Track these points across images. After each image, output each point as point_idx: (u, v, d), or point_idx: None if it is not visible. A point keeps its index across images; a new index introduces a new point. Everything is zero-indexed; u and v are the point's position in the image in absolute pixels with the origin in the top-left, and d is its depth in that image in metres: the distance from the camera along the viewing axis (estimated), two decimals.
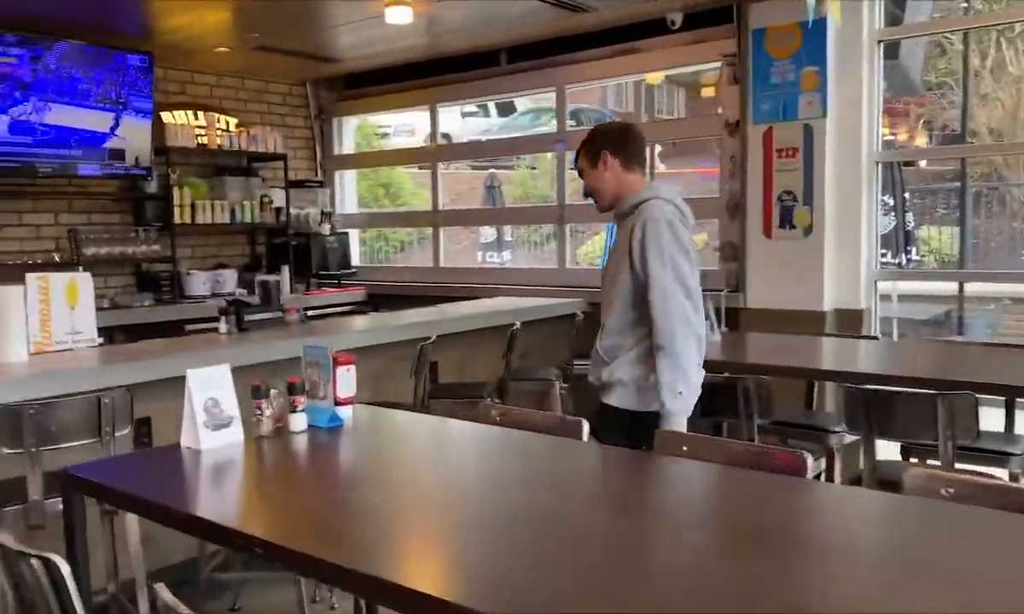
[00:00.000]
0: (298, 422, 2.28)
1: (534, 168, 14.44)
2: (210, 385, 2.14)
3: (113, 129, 5.91)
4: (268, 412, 2.24)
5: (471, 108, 10.76)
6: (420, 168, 10.93)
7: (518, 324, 4.83)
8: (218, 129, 6.63)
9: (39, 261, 5.72)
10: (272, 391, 2.26)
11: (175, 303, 6.26)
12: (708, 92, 8.39)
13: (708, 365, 2.81)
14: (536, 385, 5.22)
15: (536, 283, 6.36)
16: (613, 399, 2.79)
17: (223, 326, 4.43)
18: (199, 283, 6.57)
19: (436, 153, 7.17)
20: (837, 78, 4.98)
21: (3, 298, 3.58)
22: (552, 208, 6.58)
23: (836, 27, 4.82)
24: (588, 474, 2.20)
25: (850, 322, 5.02)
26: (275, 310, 4.65)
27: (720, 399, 3.39)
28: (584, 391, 5.50)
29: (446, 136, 8.35)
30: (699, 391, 2.69)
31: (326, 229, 7.22)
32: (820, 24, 4.85)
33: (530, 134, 9.98)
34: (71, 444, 2.87)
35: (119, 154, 5.98)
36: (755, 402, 3.18)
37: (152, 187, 6.31)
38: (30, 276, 4.08)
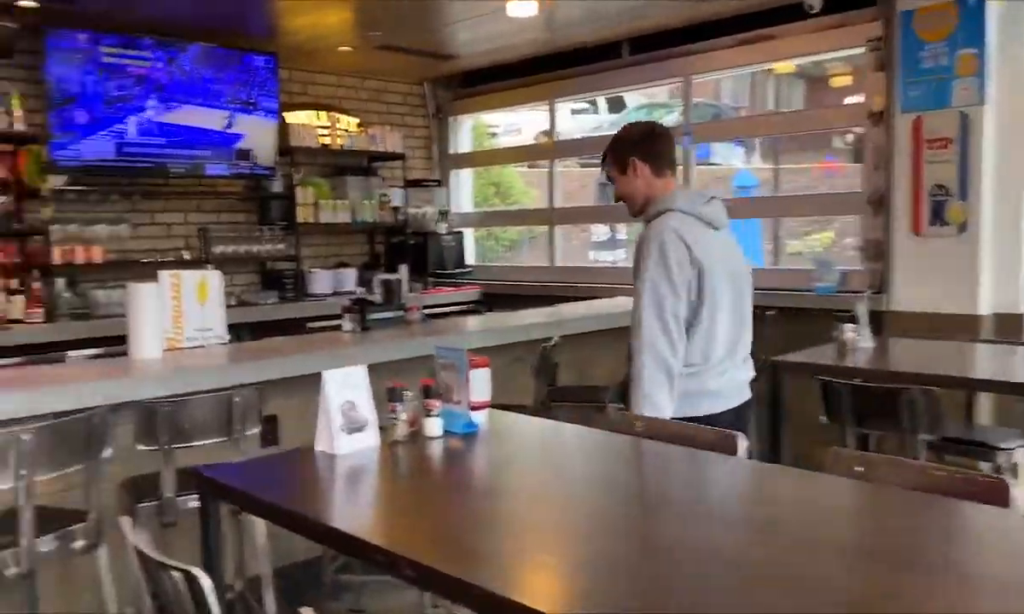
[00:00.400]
0: (433, 427, 2.17)
1: None
2: (346, 387, 2.05)
3: (239, 129, 6.04)
4: (403, 416, 2.14)
5: (581, 105, 10.58)
6: (529, 167, 10.89)
7: None
8: (340, 129, 6.69)
9: (170, 259, 5.90)
10: (407, 394, 2.16)
11: (298, 301, 6.34)
12: (842, 81, 7.96)
13: (861, 372, 2.54)
14: None
15: None
16: None
17: (347, 324, 4.41)
18: (321, 281, 6.65)
19: (555, 150, 7.02)
20: (999, 62, 4.54)
21: (139, 295, 3.65)
22: None
23: (998, 5, 4.41)
24: (747, 497, 1.99)
25: (1010, 327, 4.57)
26: (396, 309, 4.61)
27: (870, 410, 3.11)
28: None
29: (547, 135, 8.20)
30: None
31: (443, 228, 7.19)
32: (979, 2, 4.44)
33: None
34: (202, 442, 2.87)
35: (245, 154, 6.11)
36: (922, 415, 2.87)
37: (276, 187, 6.42)
38: (163, 273, 4.16)
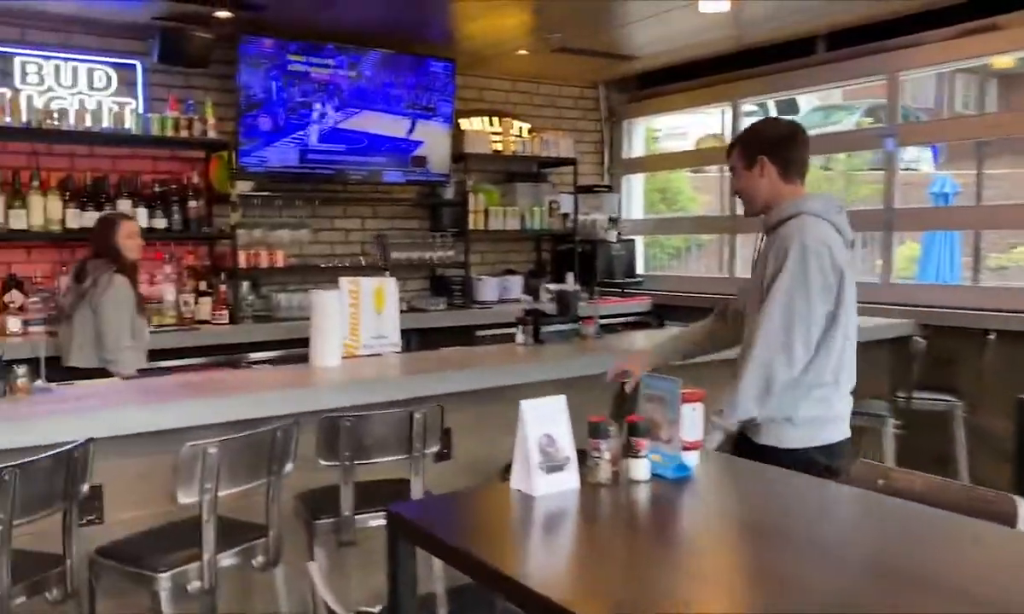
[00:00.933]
0: (641, 469, 1.91)
1: (828, 169, 13.26)
2: (545, 419, 1.84)
3: (418, 136, 6.04)
4: (607, 455, 1.89)
5: (748, 107, 10.02)
6: (693, 171, 10.39)
7: None
8: (512, 135, 6.57)
9: (347, 264, 5.96)
10: (611, 429, 1.91)
11: (466, 308, 6.26)
12: None
13: None
14: (862, 421, 4.51)
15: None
16: (761, 437, 2.46)
17: (520, 336, 4.24)
18: (488, 289, 6.55)
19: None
20: None
21: (323, 303, 3.62)
22: (877, 212, 5.74)
23: None
24: None
25: None
26: (571, 321, 4.39)
27: None
28: (923, 431, 4.72)
29: (718, 138, 7.74)
30: (735, 426, 2.43)
31: (612, 235, 6.92)
32: None
33: (850, 130, 8.96)
34: (382, 459, 2.75)
35: (421, 161, 6.09)
36: None
37: (449, 193, 6.38)
38: (343, 280, 4.15)
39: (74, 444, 2.30)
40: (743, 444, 2.49)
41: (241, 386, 3.14)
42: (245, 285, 5.45)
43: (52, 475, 2.25)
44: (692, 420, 1.95)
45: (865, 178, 13.62)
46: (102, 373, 3.85)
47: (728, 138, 6.69)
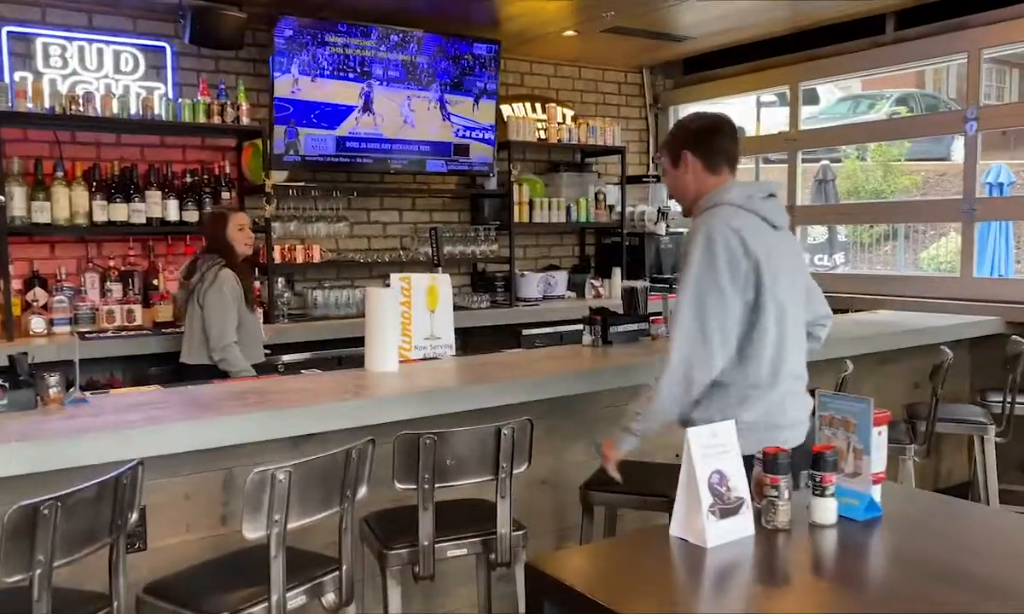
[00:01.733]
0: (828, 511, 1.56)
1: (863, 159, 12.82)
2: (715, 452, 1.49)
3: (459, 123, 5.69)
4: (786, 493, 1.54)
5: (769, 97, 9.59)
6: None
7: (949, 354, 3.80)
8: (556, 123, 6.21)
9: (386, 260, 5.64)
10: (783, 462, 1.56)
11: (511, 306, 5.92)
12: None
13: None
14: (952, 427, 4.15)
15: (924, 295, 5.23)
16: None
17: (587, 337, 3.89)
18: (531, 285, 6.20)
19: (798, 140, 6.19)
20: None
21: (379, 301, 3.29)
22: (953, 202, 5.36)
23: None
24: None
25: None
26: (640, 321, 4.04)
27: None
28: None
29: (740, 129, 7.34)
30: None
31: (662, 229, 6.56)
32: None
33: (925, 115, 8.51)
34: (465, 481, 2.41)
35: (464, 149, 5.74)
36: None
37: (492, 184, 6.03)
38: (394, 277, 3.82)
39: (121, 469, 1.97)
40: None
41: (296, 396, 2.80)
42: (280, 281, 5.12)
43: (97, 506, 1.92)
44: (879, 447, 1.59)
45: (903, 168, 13.23)
46: (214, 371, 3.76)
47: (787, 125, 6.32)
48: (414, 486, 2.33)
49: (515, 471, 2.42)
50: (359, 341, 3.39)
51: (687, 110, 7.02)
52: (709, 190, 2.41)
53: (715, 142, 2.43)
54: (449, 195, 6.08)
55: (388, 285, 3.93)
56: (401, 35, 5.34)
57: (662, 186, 6.79)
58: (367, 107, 5.29)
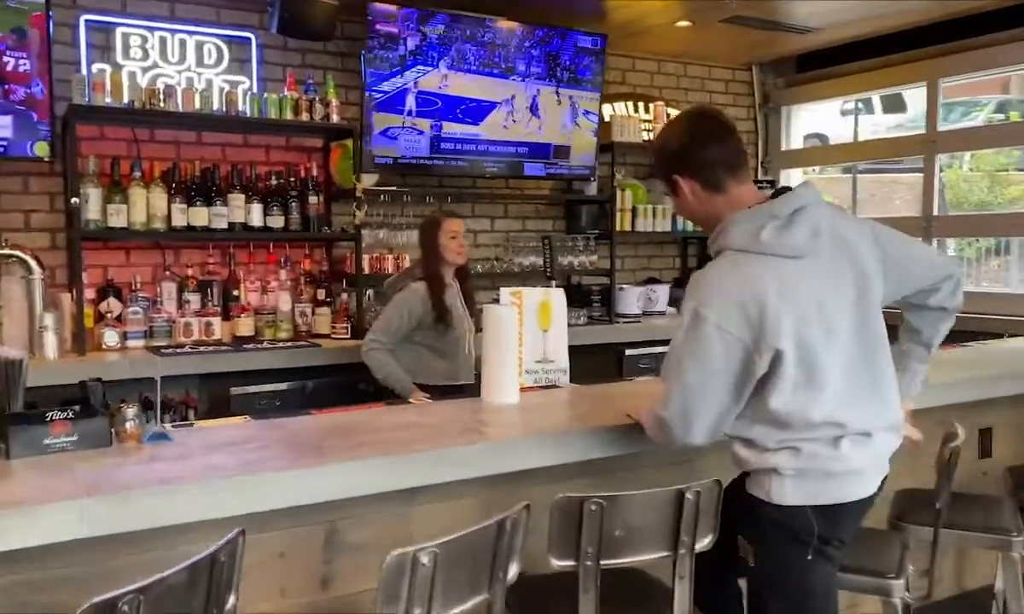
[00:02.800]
0: None
1: (974, 169, 11.98)
2: None
3: (558, 123, 5.21)
4: None
5: (849, 106, 8.86)
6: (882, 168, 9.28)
7: None
8: (664, 123, 5.69)
9: (479, 271, 5.18)
10: None
11: (610, 322, 5.41)
12: None
13: None
14: None
15: None
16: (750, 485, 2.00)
17: None
18: (630, 300, 5.68)
19: (937, 143, 5.54)
20: None
21: (499, 321, 2.81)
22: None
23: None
24: None
25: None
26: None
27: None
28: None
29: (820, 137, 6.71)
30: None
31: None
32: None
33: None
34: (635, 558, 1.91)
35: (564, 152, 5.27)
36: None
37: (591, 189, 5.54)
38: (504, 291, 3.36)
39: (218, 545, 1.52)
40: (735, 490, 2.01)
41: (410, 435, 2.33)
42: (369, 294, 4.69)
43: (188, 592, 1.47)
44: None
45: (1012, 178, 12.33)
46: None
47: (924, 127, 5.69)
48: (574, 562, 1.83)
49: (698, 545, 1.91)
50: None
51: (802, 111, 6.46)
52: (720, 212, 1.95)
53: (703, 155, 1.96)
54: (543, 201, 5.61)
55: (497, 301, 3.50)
56: (501, 26, 4.89)
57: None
58: (463, 105, 4.85)
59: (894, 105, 10.28)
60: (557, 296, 3.52)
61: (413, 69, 4.65)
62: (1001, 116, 11.18)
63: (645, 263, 6.16)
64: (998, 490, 3.11)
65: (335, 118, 4.43)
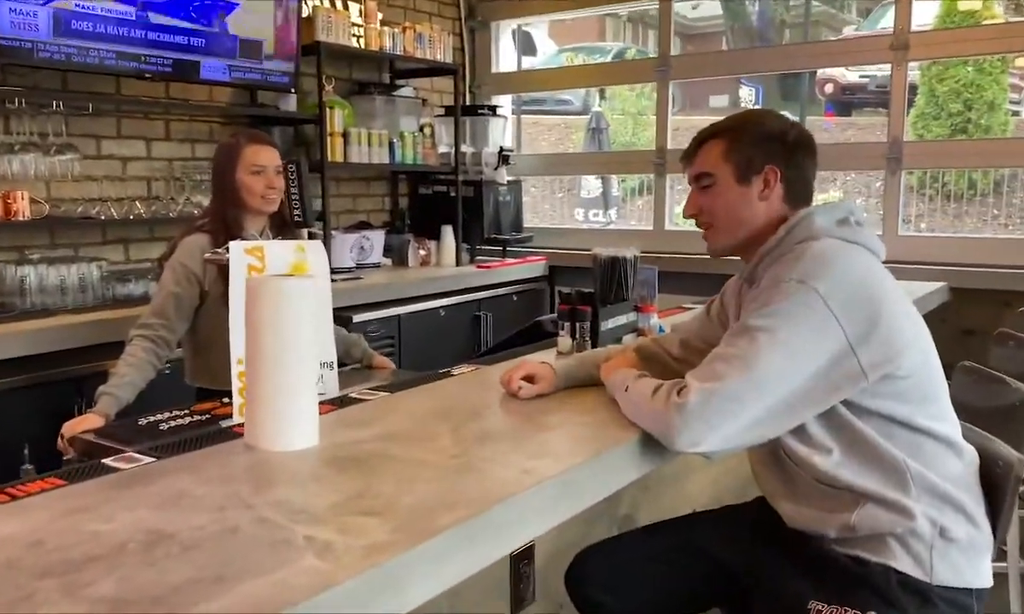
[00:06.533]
0: None
1: None
2: None
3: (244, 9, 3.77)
4: None
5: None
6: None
7: None
8: (375, 26, 4.49)
9: (130, 217, 3.60)
10: None
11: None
12: None
13: None
14: None
15: None
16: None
17: (564, 341, 2.41)
18: (344, 250, 4.47)
19: (671, 68, 4.99)
20: None
21: (278, 296, 1.53)
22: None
23: None
24: None
25: None
26: (629, 310, 2.65)
27: None
28: None
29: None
30: None
31: (502, 175, 5.14)
32: None
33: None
34: None
35: (254, 49, 3.83)
36: None
37: (290, 104, 4.18)
38: (235, 246, 2.04)
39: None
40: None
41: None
42: None
43: None
44: None
45: (649, 121, 13.05)
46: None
47: (652, 51, 5.18)
48: None
49: None
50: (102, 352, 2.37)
51: (510, 27, 5.68)
52: (773, 223, 1.69)
53: (808, 164, 1.74)
54: (221, 118, 4.11)
55: (219, 255, 2.25)
56: None
57: (500, 119, 5.35)
58: None
59: (528, 47, 10.09)
60: (315, 251, 2.30)
61: None
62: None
63: (350, 203, 4.95)
64: None
65: None
